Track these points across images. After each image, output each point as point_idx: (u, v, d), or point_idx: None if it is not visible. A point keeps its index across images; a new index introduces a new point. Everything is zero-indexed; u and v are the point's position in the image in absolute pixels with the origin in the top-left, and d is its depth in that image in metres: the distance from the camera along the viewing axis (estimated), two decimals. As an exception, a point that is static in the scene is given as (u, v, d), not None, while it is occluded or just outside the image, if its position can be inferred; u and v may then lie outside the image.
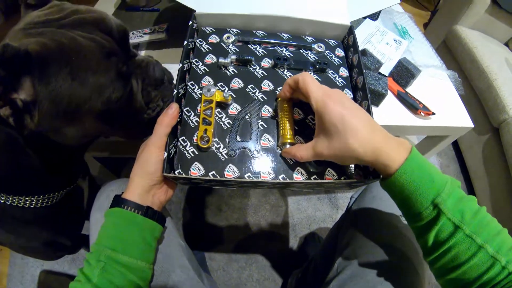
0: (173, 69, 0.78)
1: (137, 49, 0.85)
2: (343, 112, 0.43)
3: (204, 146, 0.52)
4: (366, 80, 0.57)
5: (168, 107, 0.50)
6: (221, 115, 0.57)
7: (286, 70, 0.63)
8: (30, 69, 0.39)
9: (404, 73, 0.83)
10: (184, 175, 0.50)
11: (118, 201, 0.47)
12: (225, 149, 0.53)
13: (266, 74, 0.62)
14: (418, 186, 0.40)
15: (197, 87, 0.60)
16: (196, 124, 0.55)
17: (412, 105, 0.80)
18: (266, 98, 0.59)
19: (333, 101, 0.44)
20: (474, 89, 1.49)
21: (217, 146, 0.53)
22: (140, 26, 0.94)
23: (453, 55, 1.66)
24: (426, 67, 0.93)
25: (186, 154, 0.52)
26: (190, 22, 0.63)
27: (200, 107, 0.55)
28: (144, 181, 0.48)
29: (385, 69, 0.85)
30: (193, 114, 0.56)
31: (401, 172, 0.40)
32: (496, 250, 0.37)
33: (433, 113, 0.80)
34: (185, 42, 0.59)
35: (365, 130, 0.42)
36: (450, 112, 0.85)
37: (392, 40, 0.94)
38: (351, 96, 0.62)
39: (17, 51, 0.36)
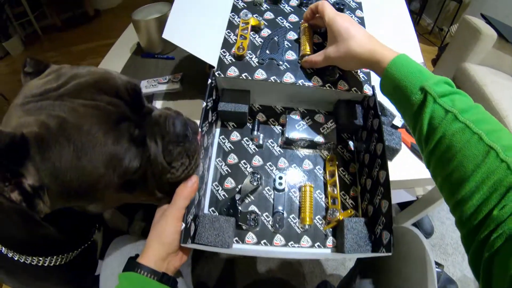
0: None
1: (152, 99, 0.86)
2: (348, 24, 0.54)
3: (240, 54, 0.64)
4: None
5: (189, 179, 0.50)
6: (255, 36, 0.69)
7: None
8: (30, 154, 0.35)
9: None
10: (199, 245, 0.52)
11: (133, 265, 0.47)
12: (256, 58, 0.65)
13: (293, 10, 0.73)
14: (407, 75, 0.45)
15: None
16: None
17: (426, 157, 0.79)
18: (291, 26, 0.71)
19: (341, 17, 0.56)
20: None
21: (250, 57, 0.66)
22: (155, 73, 0.97)
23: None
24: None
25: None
26: (209, 80, 0.61)
27: (239, 28, 0.68)
28: (160, 250, 0.48)
29: (398, 121, 0.85)
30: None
31: (392, 64, 0.47)
32: (492, 140, 0.36)
33: (447, 163, 0.79)
34: (204, 104, 0.58)
35: (364, 37, 0.53)
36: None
37: (403, 87, 0.94)
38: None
39: (12, 138, 0.33)
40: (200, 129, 0.54)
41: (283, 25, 0.71)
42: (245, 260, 1.25)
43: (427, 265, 0.60)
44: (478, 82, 1.54)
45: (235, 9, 0.73)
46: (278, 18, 0.72)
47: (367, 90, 0.64)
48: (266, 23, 0.71)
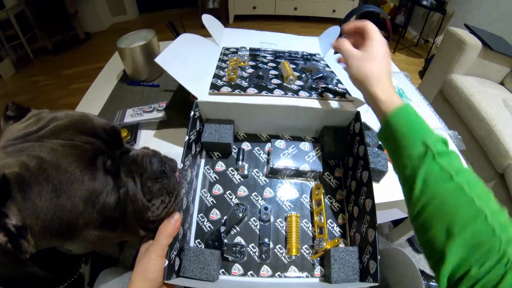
0: (174, 150, 0.79)
1: (138, 128, 0.86)
2: (383, 58, 0.52)
3: (231, 77, 0.68)
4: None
5: (171, 216, 0.50)
6: (242, 72, 0.74)
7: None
8: (12, 194, 0.36)
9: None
10: (184, 280, 0.52)
11: None
12: (246, 83, 0.69)
13: (271, 59, 0.79)
14: (411, 127, 0.46)
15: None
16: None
17: (414, 176, 0.79)
18: (273, 65, 0.78)
19: (383, 41, 0.54)
20: (476, 137, 1.49)
21: (241, 81, 0.69)
22: (141, 101, 0.97)
23: (452, 104, 1.68)
24: (425, 130, 0.92)
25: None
26: (192, 112, 0.61)
27: (228, 63, 0.76)
28: (144, 286, 0.47)
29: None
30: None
31: (398, 113, 0.47)
32: (482, 205, 0.37)
33: (436, 181, 0.79)
34: (187, 137, 0.58)
35: (386, 71, 0.52)
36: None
37: (389, 105, 0.95)
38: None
39: None
40: (181, 164, 0.54)
41: (264, 67, 0.77)
42: None
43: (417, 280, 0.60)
44: (465, 92, 1.56)
45: (224, 54, 0.82)
46: (259, 64, 0.78)
47: (349, 96, 0.67)
48: (250, 64, 0.77)
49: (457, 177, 0.40)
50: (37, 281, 0.54)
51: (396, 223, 1.31)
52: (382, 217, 1.16)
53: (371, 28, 0.55)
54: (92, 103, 1.00)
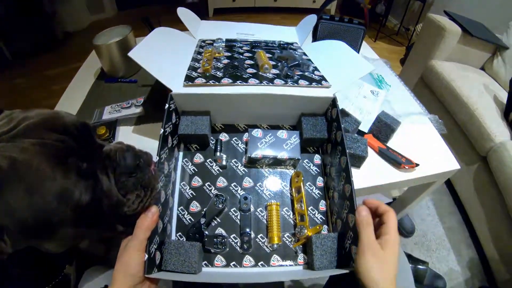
0: (153, 144, 0.79)
1: (116, 125, 0.84)
2: (395, 263, 0.47)
3: (206, 68, 0.68)
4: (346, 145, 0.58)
5: (148, 209, 0.49)
6: (217, 63, 0.72)
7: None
8: None
9: (384, 128, 0.83)
10: (165, 274, 0.52)
11: None
12: (221, 73, 0.68)
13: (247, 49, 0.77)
14: None
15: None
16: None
17: (395, 160, 0.80)
18: (249, 55, 0.78)
19: (398, 249, 0.48)
20: (457, 122, 1.51)
21: (215, 72, 0.69)
22: (118, 98, 0.95)
23: (433, 90, 1.69)
24: (406, 116, 0.93)
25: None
26: (167, 105, 0.60)
27: (203, 55, 0.75)
28: (126, 281, 0.47)
29: (364, 126, 0.85)
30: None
31: None
32: None
33: (417, 165, 0.80)
34: (162, 130, 0.57)
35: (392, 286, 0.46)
36: (435, 157, 0.85)
37: (369, 92, 0.95)
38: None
39: None
40: (157, 157, 0.53)
41: (240, 57, 0.77)
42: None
43: (405, 266, 0.60)
44: (446, 78, 1.57)
45: (200, 47, 0.80)
46: (235, 54, 0.78)
47: (325, 83, 0.66)
48: (225, 55, 0.77)
49: None
50: (21, 282, 0.55)
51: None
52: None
53: (393, 222, 0.50)
54: (71, 102, 0.98)
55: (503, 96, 1.49)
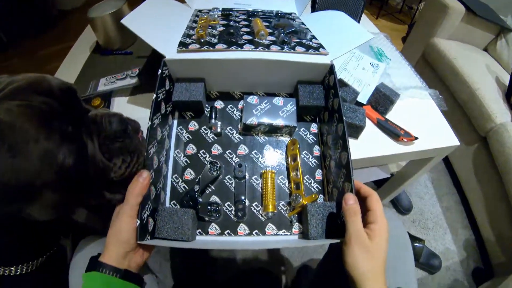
0: (146, 114, 0.78)
1: (111, 96, 0.83)
2: (384, 251, 0.46)
3: (200, 34, 0.65)
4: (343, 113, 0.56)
5: (139, 174, 0.48)
6: (213, 30, 0.70)
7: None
8: None
9: (383, 99, 0.82)
10: (159, 241, 0.51)
11: (95, 264, 0.46)
12: (216, 40, 0.66)
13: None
14: None
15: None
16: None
17: (393, 132, 0.79)
18: (246, 23, 0.75)
19: (387, 236, 0.47)
20: (458, 101, 1.49)
21: (210, 38, 0.67)
22: (114, 70, 0.93)
23: (434, 68, 1.67)
24: (406, 89, 0.92)
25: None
26: (160, 71, 0.59)
27: (198, 22, 0.72)
28: (118, 248, 0.47)
29: (363, 97, 0.84)
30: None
31: None
32: None
33: (416, 138, 0.79)
34: (154, 95, 0.55)
35: (382, 271, 0.45)
36: (434, 132, 0.84)
37: (369, 65, 0.94)
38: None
39: None
40: (149, 122, 0.52)
41: (236, 25, 0.74)
42: (224, 252, 1.24)
43: (406, 241, 0.60)
44: (448, 56, 1.55)
45: (195, 16, 0.79)
46: (231, 23, 0.75)
47: (323, 50, 0.65)
48: (221, 23, 0.74)
49: None
50: (7, 255, 0.55)
51: (378, 184, 1.32)
52: (363, 176, 1.17)
53: (379, 209, 0.48)
54: (66, 77, 0.97)
55: (505, 78, 1.47)
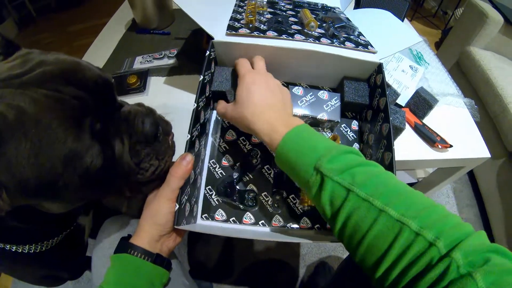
0: (183, 96, 0.77)
1: (147, 75, 0.83)
2: (251, 89, 0.50)
3: (250, 19, 0.64)
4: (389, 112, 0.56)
5: (182, 157, 0.47)
6: (260, 17, 0.68)
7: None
8: None
9: (422, 104, 0.80)
10: (195, 228, 0.50)
11: (126, 246, 0.45)
12: (265, 26, 0.66)
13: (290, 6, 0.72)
14: (299, 155, 0.41)
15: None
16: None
17: (430, 138, 0.77)
18: (293, 13, 0.73)
19: (248, 77, 0.52)
20: (488, 112, 1.45)
21: (259, 24, 0.66)
22: (150, 49, 0.93)
23: (467, 77, 1.63)
24: (443, 96, 0.90)
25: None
26: (208, 52, 0.57)
27: (246, 7, 0.71)
28: (153, 231, 0.46)
29: (402, 100, 0.82)
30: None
31: (283, 143, 0.42)
32: (402, 214, 0.33)
33: (451, 146, 0.77)
34: (201, 77, 0.54)
35: (261, 106, 0.48)
36: (466, 142, 0.82)
37: (408, 67, 0.92)
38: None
39: None
40: (195, 104, 0.51)
41: (283, 14, 0.72)
42: (243, 241, 1.24)
43: None
44: (483, 66, 1.50)
45: (240, 0, 0.77)
46: (278, 11, 0.73)
47: (371, 48, 0.63)
48: (268, 11, 0.72)
49: (363, 191, 0.36)
50: (25, 235, 0.54)
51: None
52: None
53: (239, 69, 0.55)
54: (100, 52, 0.97)
55: (539, 95, 1.43)
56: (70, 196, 0.41)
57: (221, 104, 0.55)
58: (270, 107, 0.48)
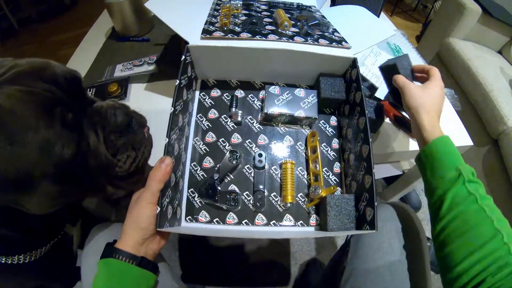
0: (164, 101, 0.77)
1: (128, 82, 0.83)
2: (437, 96, 0.59)
3: (224, 22, 0.64)
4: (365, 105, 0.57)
5: (161, 160, 0.48)
6: (235, 19, 0.70)
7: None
8: None
9: (399, 95, 0.81)
10: (177, 230, 0.51)
11: (111, 251, 0.46)
12: (239, 28, 0.66)
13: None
14: (448, 154, 0.52)
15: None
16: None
17: (409, 129, 0.78)
18: (268, 14, 0.75)
19: (441, 85, 0.61)
20: (471, 102, 1.48)
21: (233, 26, 0.67)
22: (131, 57, 0.93)
23: (448, 68, 1.65)
24: (422, 87, 0.91)
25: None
26: (183, 57, 0.58)
27: (221, 11, 0.71)
28: (137, 235, 0.46)
29: (381, 94, 0.83)
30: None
31: (438, 140, 0.53)
32: (500, 227, 0.44)
33: (432, 136, 0.78)
34: (177, 81, 0.54)
35: (439, 111, 0.59)
36: (448, 131, 0.82)
37: (386, 61, 0.93)
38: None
39: None
40: (173, 108, 0.52)
41: (258, 15, 0.74)
42: (234, 243, 1.25)
43: (421, 238, 0.60)
44: (463, 56, 1.53)
45: (216, 4, 0.78)
46: (253, 12, 0.75)
47: (346, 44, 0.65)
48: (243, 12, 0.74)
49: (481, 201, 0.46)
50: (11, 246, 0.55)
51: (389, 181, 1.32)
52: (376, 172, 1.17)
53: (437, 72, 0.63)
54: (81, 62, 0.96)
55: (519, 82, 1.46)
56: (49, 189, 0.42)
57: (404, 77, 0.63)
58: (438, 112, 0.59)
